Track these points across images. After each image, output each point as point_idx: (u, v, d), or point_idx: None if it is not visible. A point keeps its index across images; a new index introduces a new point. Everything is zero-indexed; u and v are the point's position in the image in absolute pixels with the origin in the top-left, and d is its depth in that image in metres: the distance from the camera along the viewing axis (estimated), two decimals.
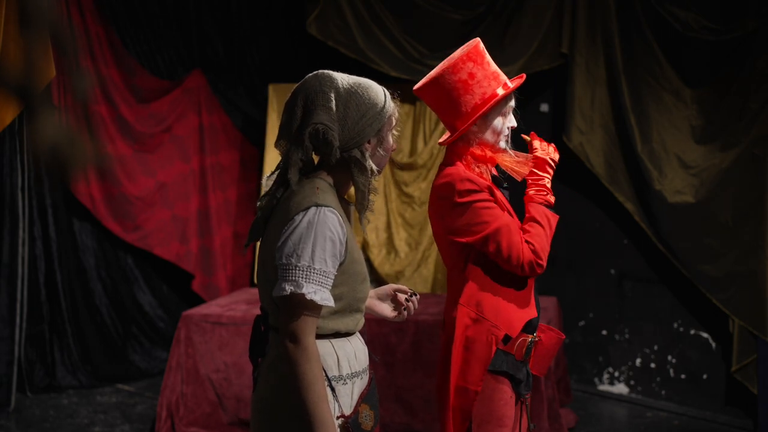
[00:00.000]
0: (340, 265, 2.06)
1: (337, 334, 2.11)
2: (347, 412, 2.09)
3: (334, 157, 2.06)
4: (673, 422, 5.05)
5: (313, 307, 2.00)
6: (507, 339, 2.50)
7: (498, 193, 2.52)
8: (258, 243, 2.17)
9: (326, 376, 2.05)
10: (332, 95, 2.06)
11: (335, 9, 5.91)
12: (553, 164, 2.62)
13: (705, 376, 5.28)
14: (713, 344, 5.25)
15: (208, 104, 6.33)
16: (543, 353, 2.58)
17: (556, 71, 5.61)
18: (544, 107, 5.81)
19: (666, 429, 4.94)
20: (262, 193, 2.18)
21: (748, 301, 4.87)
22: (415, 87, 2.58)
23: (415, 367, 4.57)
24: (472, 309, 2.50)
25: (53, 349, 5.62)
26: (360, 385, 2.15)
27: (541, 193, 2.59)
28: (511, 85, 2.56)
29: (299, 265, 1.98)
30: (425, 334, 4.55)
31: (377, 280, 6.01)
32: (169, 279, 6.36)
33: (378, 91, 2.13)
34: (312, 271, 1.98)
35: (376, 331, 4.54)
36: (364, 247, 6.03)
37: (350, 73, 2.19)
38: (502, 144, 2.57)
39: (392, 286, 2.43)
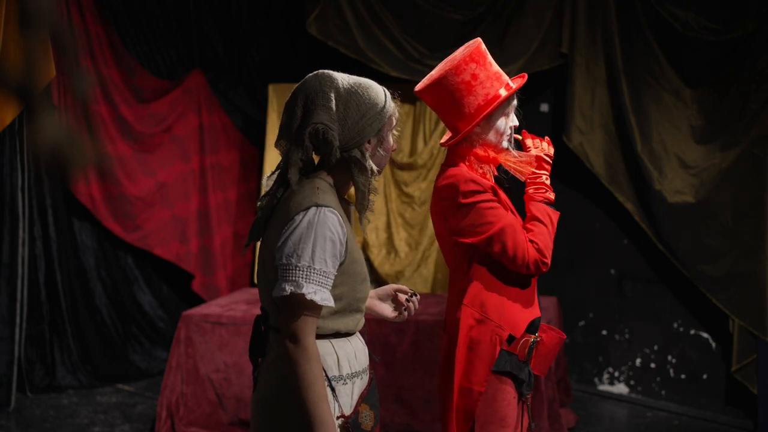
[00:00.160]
0: (340, 265, 2.06)
1: (337, 334, 2.11)
2: (347, 412, 2.08)
3: (334, 157, 2.06)
4: (673, 422, 5.05)
5: (314, 308, 2.00)
6: (511, 339, 2.50)
7: (501, 194, 2.53)
8: (258, 243, 2.17)
9: (326, 376, 2.05)
10: (332, 95, 2.06)
11: (335, 9, 5.91)
12: (548, 159, 2.62)
13: (705, 376, 5.28)
14: (713, 344, 5.25)
15: (208, 104, 6.33)
16: (545, 353, 2.58)
17: (556, 71, 5.61)
18: (544, 107, 5.81)
19: (666, 429, 4.94)
20: (263, 193, 2.18)
21: (748, 301, 4.87)
22: (417, 88, 2.57)
23: (415, 367, 4.57)
24: (476, 310, 2.50)
25: (53, 349, 5.62)
26: (360, 385, 2.15)
27: (540, 190, 2.59)
28: (514, 85, 2.55)
29: (299, 265, 1.98)
30: (425, 334, 4.55)
31: (377, 280, 6.01)
32: (169, 279, 6.36)
33: (378, 91, 2.13)
34: (312, 271, 1.98)
35: (376, 331, 4.54)
36: (364, 247, 6.03)
37: (350, 73, 2.18)
38: (505, 144, 2.57)
39: (393, 286, 2.43)
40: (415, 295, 2.40)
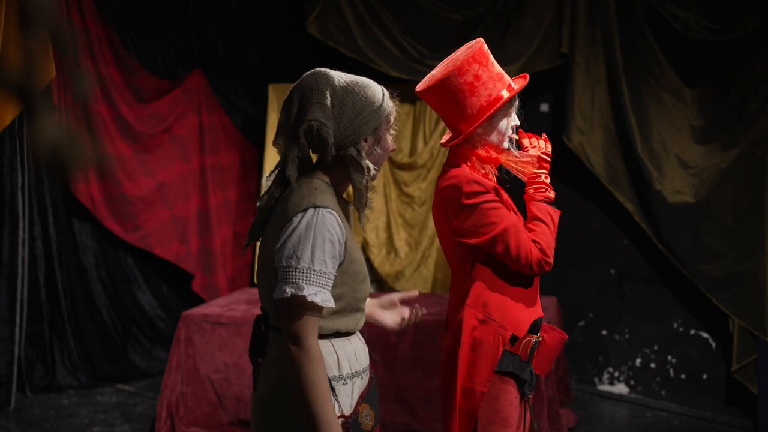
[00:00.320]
0: (340, 265, 2.06)
1: (338, 334, 2.11)
2: (347, 412, 2.08)
3: (330, 155, 2.06)
4: (673, 422, 5.05)
5: (315, 309, 2.00)
6: (514, 339, 2.50)
7: (504, 194, 2.53)
8: (258, 243, 2.17)
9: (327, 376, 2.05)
10: (328, 92, 2.06)
11: (335, 9, 5.91)
12: (547, 158, 2.62)
13: (705, 376, 5.28)
14: (713, 344, 5.25)
15: (208, 104, 6.33)
16: (546, 353, 2.59)
17: (556, 71, 5.61)
18: (544, 107, 5.81)
19: (666, 429, 4.94)
20: (262, 192, 2.18)
21: (748, 301, 4.87)
22: (418, 88, 2.57)
23: (415, 367, 4.57)
24: (479, 310, 2.50)
25: (53, 349, 5.62)
26: (360, 384, 2.15)
27: (540, 190, 2.59)
28: (516, 86, 2.55)
29: (299, 267, 1.98)
30: (425, 334, 4.55)
31: (377, 280, 6.01)
32: (169, 279, 6.36)
33: (375, 90, 2.13)
34: (312, 272, 1.98)
35: (376, 331, 4.52)
36: (364, 247, 6.02)
37: (350, 73, 2.18)
38: (506, 144, 2.57)
39: (397, 295, 2.43)
40: (421, 310, 2.40)
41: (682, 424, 5.03)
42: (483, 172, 2.51)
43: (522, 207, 2.61)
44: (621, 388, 5.58)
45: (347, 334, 2.13)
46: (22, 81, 1.34)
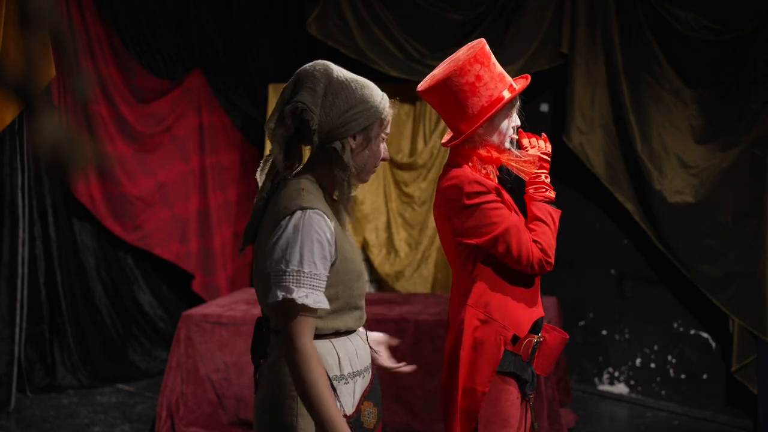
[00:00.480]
0: (332, 265, 2.05)
1: (337, 333, 2.10)
2: (349, 411, 2.08)
3: (314, 144, 2.06)
4: (673, 422, 5.05)
5: (307, 311, 2.00)
6: (515, 339, 2.50)
7: (505, 194, 2.53)
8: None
9: (327, 375, 2.05)
10: (322, 80, 2.07)
11: (335, 9, 5.91)
12: (547, 158, 2.62)
13: (705, 376, 5.28)
14: (713, 344, 5.25)
15: (208, 104, 6.34)
16: (547, 353, 2.58)
17: (556, 71, 5.61)
18: (544, 107, 5.81)
19: (666, 429, 4.94)
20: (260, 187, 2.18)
21: (748, 301, 4.87)
22: (419, 88, 2.56)
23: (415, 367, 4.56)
24: (480, 310, 2.50)
25: (53, 349, 5.62)
26: (362, 383, 2.14)
27: (540, 190, 2.59)
28: (517, 87, 2.55)
29: (288, 270, 1.98)
30: (425, 334, 4.55)
31: (377, 280, 6.01)
32: (169, 279, 6.36)
33: (374, 92, 2.12)
34: (302, 275, 1.98)
35: (375, 330, 4.53)
36: (364, 247, 6.02)
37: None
38: (507, 144, 2.57)
39: (382, 337, 2.44)
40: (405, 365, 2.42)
41: (682, 424, 5.03)
42: (484, 172, 2.51)
43: (523, 207, 2.61)
44: (621, 388, 5.58)
45: (347, 332, 2.13)
46: (22, 81, 1.34)
